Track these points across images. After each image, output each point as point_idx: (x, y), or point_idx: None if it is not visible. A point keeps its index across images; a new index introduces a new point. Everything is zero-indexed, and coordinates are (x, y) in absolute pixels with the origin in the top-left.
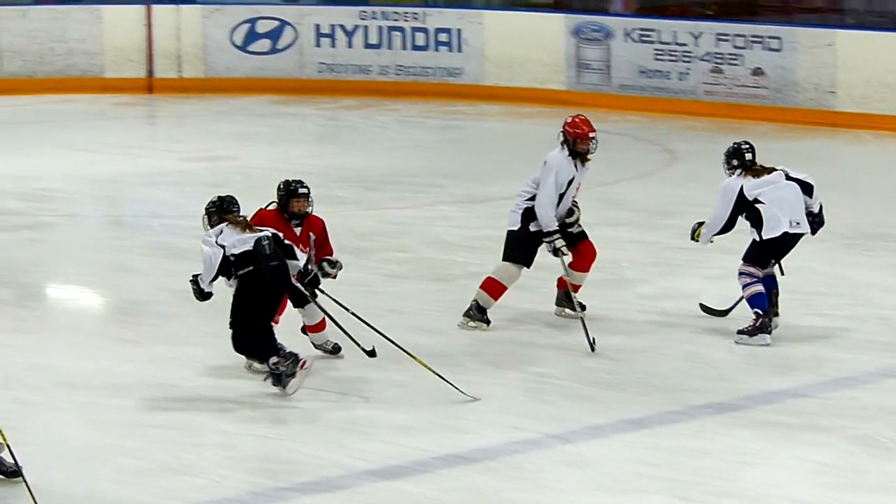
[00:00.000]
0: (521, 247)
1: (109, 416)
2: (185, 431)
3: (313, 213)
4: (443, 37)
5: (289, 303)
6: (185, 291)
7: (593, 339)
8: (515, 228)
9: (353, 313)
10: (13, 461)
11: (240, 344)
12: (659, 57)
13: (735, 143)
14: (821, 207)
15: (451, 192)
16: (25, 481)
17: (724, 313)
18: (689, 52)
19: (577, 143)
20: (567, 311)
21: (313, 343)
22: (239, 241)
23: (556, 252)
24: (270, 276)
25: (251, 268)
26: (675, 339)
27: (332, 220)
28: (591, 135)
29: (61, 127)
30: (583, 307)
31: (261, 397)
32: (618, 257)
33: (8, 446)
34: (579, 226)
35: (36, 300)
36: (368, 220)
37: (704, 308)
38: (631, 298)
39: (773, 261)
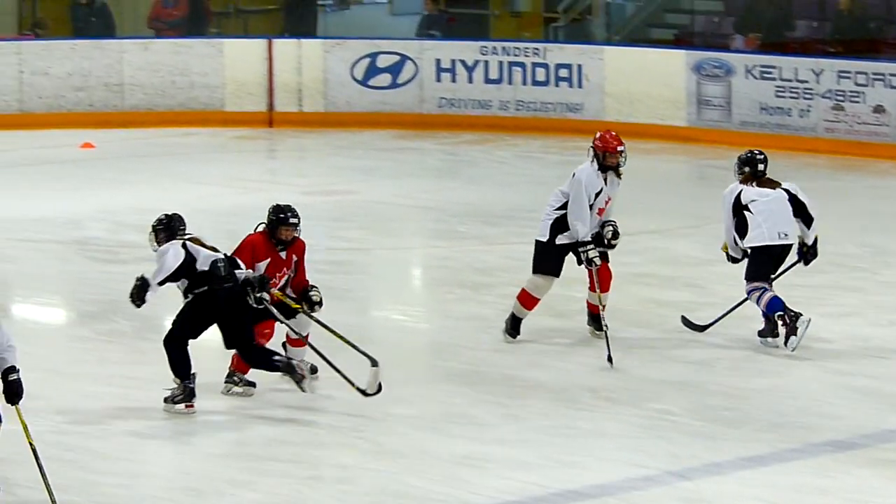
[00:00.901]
0: (549, 258)
1: (226, 449)
2: (303, 465)
3: (300, 240)
4: (563, 72)
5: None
6: None
7: (609, 356)
8: (544, 239)
9: (333, 331)
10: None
11: (170, 351)
12: (780, 94)
13: (750, 152)
14: (816, 239)
15: None
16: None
17: (703, 328)
18: (811, 89)
19: (606, 157)
20: (595, 330)
21: (288, 358)
22: (203, 259)
23: (589, 262)
24: (225, 298)
25: (205, 288)
26: (794, 376)
27: (452, 255)
28: (619, 148)
29: (182, 160)
30: (606, 326)
31: (380, 433)
32: (737, 294)
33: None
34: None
35: (155, 332)
36: (488, 255)
37: (686, 322)
38: (749, 336)
39: (770, 274)
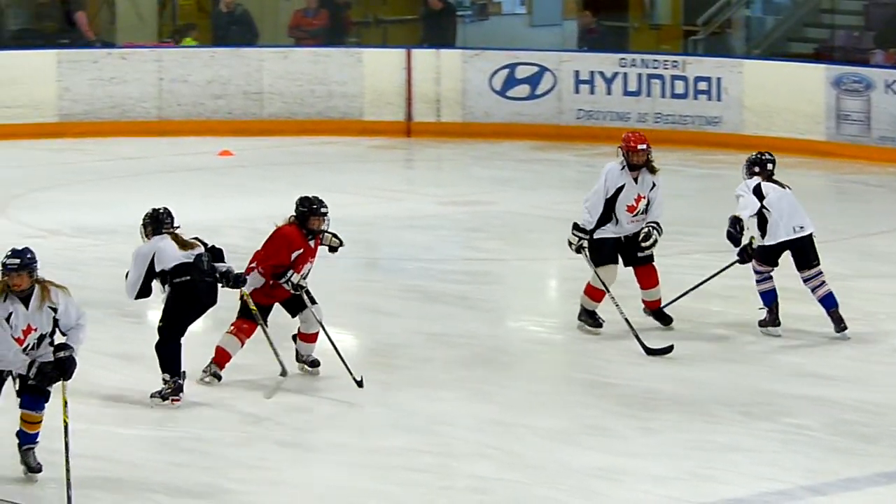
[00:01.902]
0: (601, 251)
1: (362, 458)
2: (437, 475)
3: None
4: (702, 85)
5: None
6: (441, 335)
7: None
8: (594, 237)
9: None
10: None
11: (162, 349)
12: None
13: (759, 153)
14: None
15: (707, 241)
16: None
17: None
18: None
19: (630, 156)
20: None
21: (297, 352)
22: (175, 256)
23: (577, 250)
24: (204, 291)
25: (187, 278)
26: None
27: (588, 267)
28: (639, 147)
29: (319, 169)
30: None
31: (514, 444)
32: (875, 309)
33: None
34: (650, 252)
35: (290, 341)
36: (623, 267)
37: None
38: (888, 352)
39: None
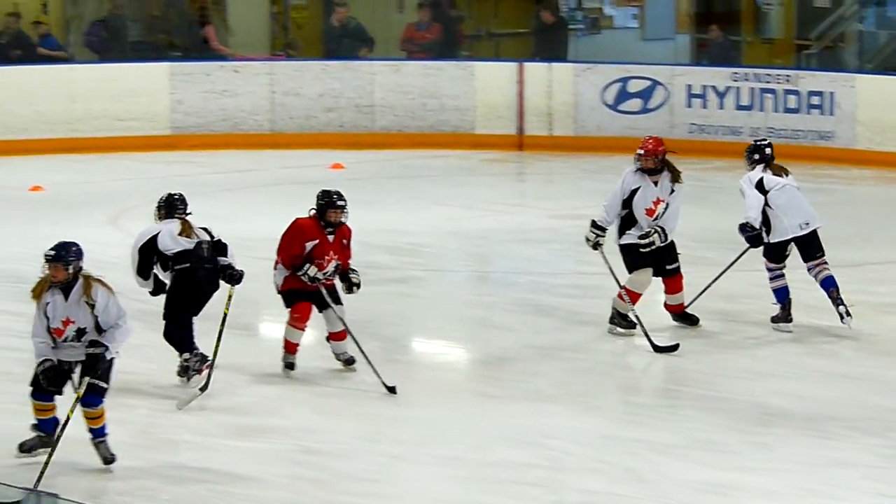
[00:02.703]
0: (631, 256)
1: (473, 472)
2: (548, 489)
3: (345, 224)
4: (815, 100)
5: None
6: (551, 349)
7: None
8: (621, 243)
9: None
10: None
11: (169, 333)
12: None
13: (756, 141)
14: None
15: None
16: None
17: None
18: None
19: (637, 159)
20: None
21: (333, 352)
22: (176, 240)
23: (594, 246)
24: (204, 278)
25: (188, 265)
26: None
27: (699, 281)
28: (639, 150)
29: (431, 182)
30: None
31: (624, 458)
32: None
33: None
34: (675, 263)
35: (402, 353)
36: (735, 283)
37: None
38: None
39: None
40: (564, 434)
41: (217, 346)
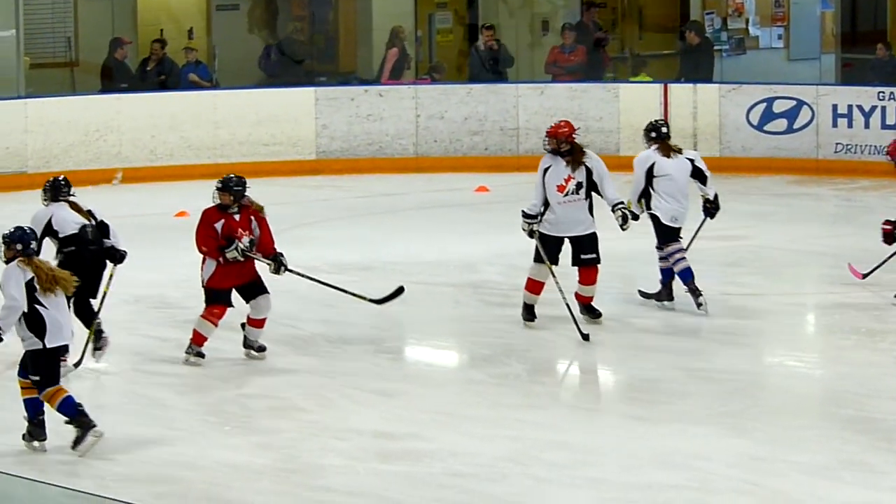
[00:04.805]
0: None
1: (622, 494)
2: None
3: (253, 207)
4: None
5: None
6: (699, 370)
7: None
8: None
9: (321, 282)
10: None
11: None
12: None
13: (654, 120)
14: (716, 195)
15: None
16: None
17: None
18: None
19: (544, 141)
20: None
21: (247, 337)
22: (70, 222)
23: (530, 234)
24: (90, 259)
25: (73, 248)
26: None
27: (847, 301)
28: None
29: None
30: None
31: (773, 479)
32: None
33: None
34: (592, 254)
35: (549, 376)
36: (883, 302)
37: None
38: None
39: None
40: (713, 455)
41: (95, 321)
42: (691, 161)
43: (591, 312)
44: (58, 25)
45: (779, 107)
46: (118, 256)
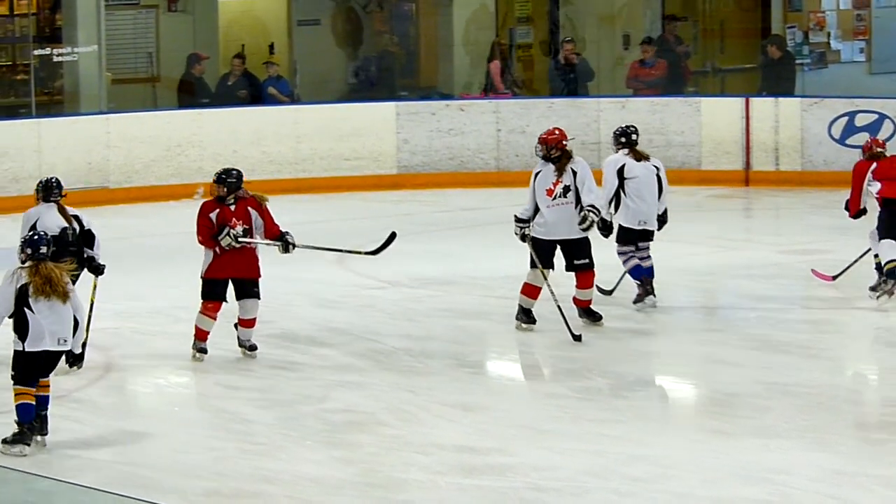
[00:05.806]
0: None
1: None
2: None
3: (251, 197)
4: None
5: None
6: (781, 384)
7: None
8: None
9: (320, 248)
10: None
11: None
12: None
13: (624, 126)
14: (665, 209)
15: None
16: None
17: (609, 293)
18: None
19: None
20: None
21: (240, 338)
22: (53, 224)
23: (522, 238)
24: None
25: (54, 249)
26: None
27: None
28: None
29: None
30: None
31: (858, 493)
32: None
33: None
34: (585, 259)
35: (630, 390)
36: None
37: (599, 290)
38: None
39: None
40: (796, 470)
41: (86, 332)
42: (657, 168)
43: (591, 316)
44: (140, 41)
45: (861, 120)
46: (98, 269)
